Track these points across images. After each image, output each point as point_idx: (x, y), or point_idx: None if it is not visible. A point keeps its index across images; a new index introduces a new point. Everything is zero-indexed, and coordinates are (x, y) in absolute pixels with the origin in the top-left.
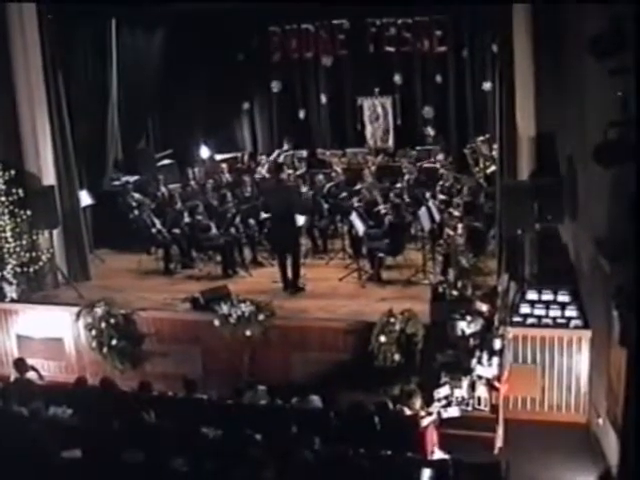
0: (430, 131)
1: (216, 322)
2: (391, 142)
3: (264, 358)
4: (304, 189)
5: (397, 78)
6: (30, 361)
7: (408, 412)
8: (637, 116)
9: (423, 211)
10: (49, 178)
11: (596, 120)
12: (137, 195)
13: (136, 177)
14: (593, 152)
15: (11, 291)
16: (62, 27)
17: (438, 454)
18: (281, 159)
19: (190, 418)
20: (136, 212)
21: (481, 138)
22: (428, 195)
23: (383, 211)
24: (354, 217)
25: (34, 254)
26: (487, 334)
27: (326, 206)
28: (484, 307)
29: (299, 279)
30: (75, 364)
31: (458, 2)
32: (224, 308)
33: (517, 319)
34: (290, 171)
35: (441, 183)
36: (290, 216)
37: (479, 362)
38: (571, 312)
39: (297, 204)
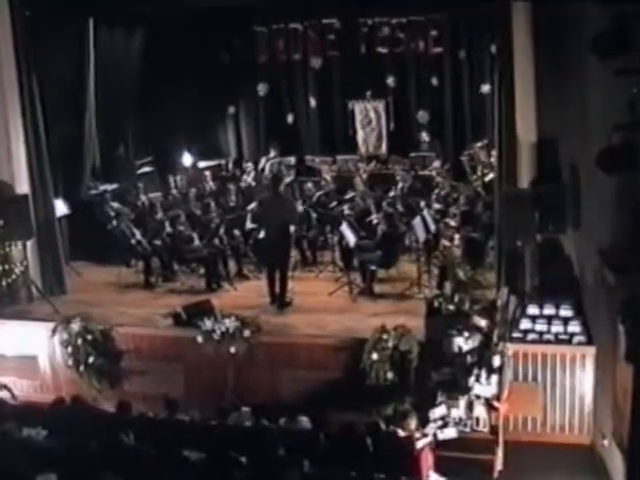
0: (425, 137)
1: (199, 338)
2: (384, 148)
3: (250, 376)
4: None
5: (390, 80)
6: (2, 380)
7: (402, 433)
8: None
9: (418, 221)
10: (23, 186)
11: (600, 124)
12: (116, 204)
13: (115, 185)
14: (596, 158)
15: None
16: (37, 26)
17: (434, 478)
18: (268, 167)
19: (171, 440)
20: (115, 222)
21: (479, 144)
22: (423, 204)
23: (375, 221)
24: (344, 227)
25: (7, 267)
26: (486, 351)
27: (315, 216)
28: (482, 322)
29: (286, 293)
30: (50, 383)
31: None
32: (207, 324)
33: (517, 335)
34: None
35: (437, 191)
36: (286, 229)
37: (477, 380)
38: (574, 327)
39: (294, 217)
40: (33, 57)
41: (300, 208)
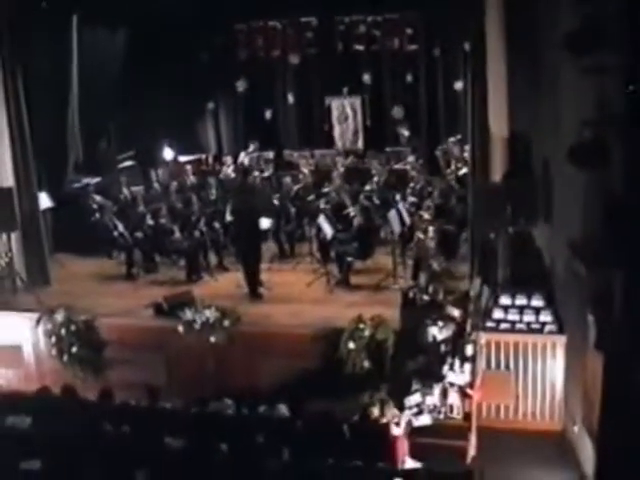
0: (400, 132)
1: (180, 329)
2: (360, 143)
3: (230, 366)
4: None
5: (366, 77)
6: None
7: (379, 421)
8: (614, 115)
9: (393, 214)
10: (7, 180)
11: (571, 119)
12: (98, 197)
13: (97, 179)
14: (567, 153)
15: None
16: (21, 22)
17: (409, 463)
18: (247, 161)
19: (153, 428)
20: (97, 215)
21: (452, 139)
22: (398, 198)
23: (352, 214)
24: (322, 220)
25: None
26: (459, 340)
27: (293, 209)
28: (456, 312)
29: (258, 285)
30: (34, 372)
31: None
32: (188, 314)
33: (490, 324)
34: (256, 173)
35: (412, 185)
36: (252, 220)
37: (451, 369)
38: (545, 317)
39: (263, 207)
40: (17, 54)
41: (272, 199)
